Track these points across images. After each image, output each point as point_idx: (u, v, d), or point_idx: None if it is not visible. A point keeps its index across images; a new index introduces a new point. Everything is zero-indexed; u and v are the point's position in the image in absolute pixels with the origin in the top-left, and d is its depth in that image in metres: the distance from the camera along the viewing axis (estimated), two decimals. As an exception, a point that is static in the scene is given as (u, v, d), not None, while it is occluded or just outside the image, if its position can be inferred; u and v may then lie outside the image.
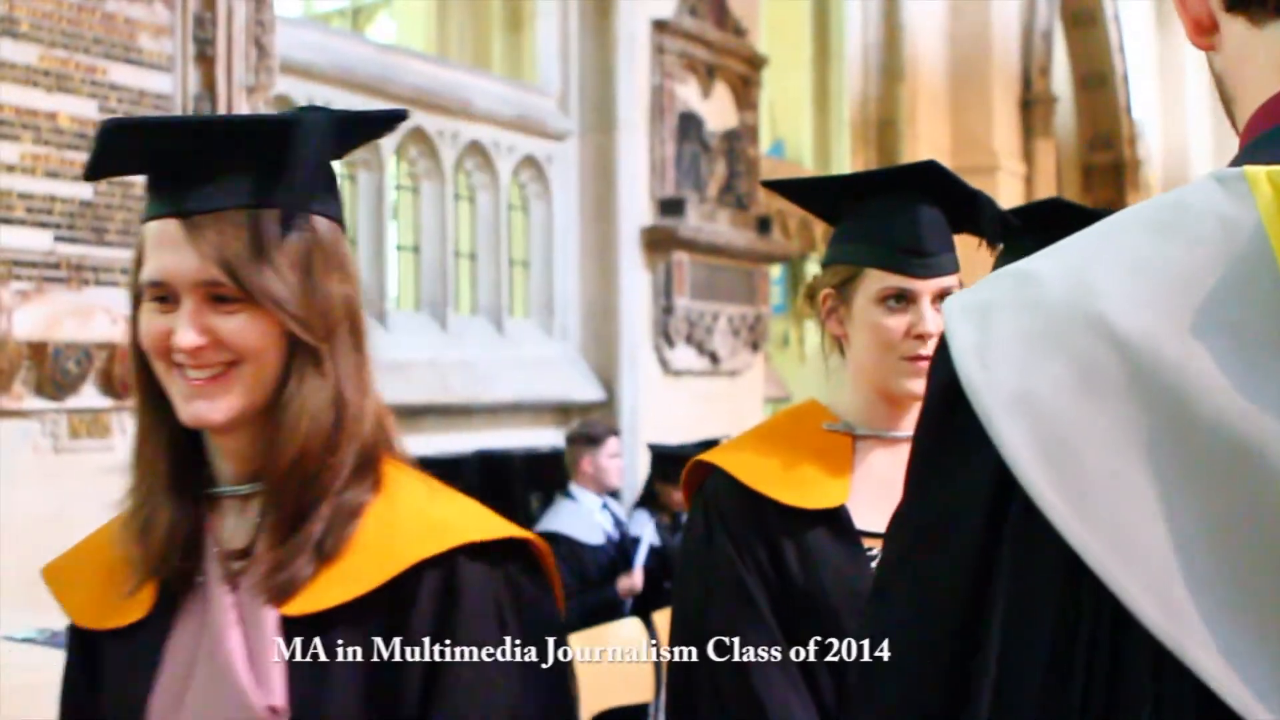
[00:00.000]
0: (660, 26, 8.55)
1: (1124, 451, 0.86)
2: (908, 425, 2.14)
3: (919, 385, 2.06)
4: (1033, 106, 15.01)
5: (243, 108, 5.50)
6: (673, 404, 8.55)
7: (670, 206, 8.54)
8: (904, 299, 2.09)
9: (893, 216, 2.11)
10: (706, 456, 2.19)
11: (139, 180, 5.37)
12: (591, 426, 6.51)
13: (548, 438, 7.62)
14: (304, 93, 6.89)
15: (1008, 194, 14.00)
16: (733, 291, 9.21)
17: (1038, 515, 0.88)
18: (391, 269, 7.64)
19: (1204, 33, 1.03)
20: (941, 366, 0.95)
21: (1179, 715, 0.86)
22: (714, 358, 9.04)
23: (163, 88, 5.29)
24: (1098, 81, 17.18)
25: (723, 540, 2.11)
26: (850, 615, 2.03)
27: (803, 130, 12.97)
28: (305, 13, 10.84)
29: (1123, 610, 0.86)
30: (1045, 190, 14.99)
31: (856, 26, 12.98)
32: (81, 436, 5.00)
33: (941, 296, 2.08)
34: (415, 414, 7.23)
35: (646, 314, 8.52)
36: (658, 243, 8.51)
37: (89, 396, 5.00)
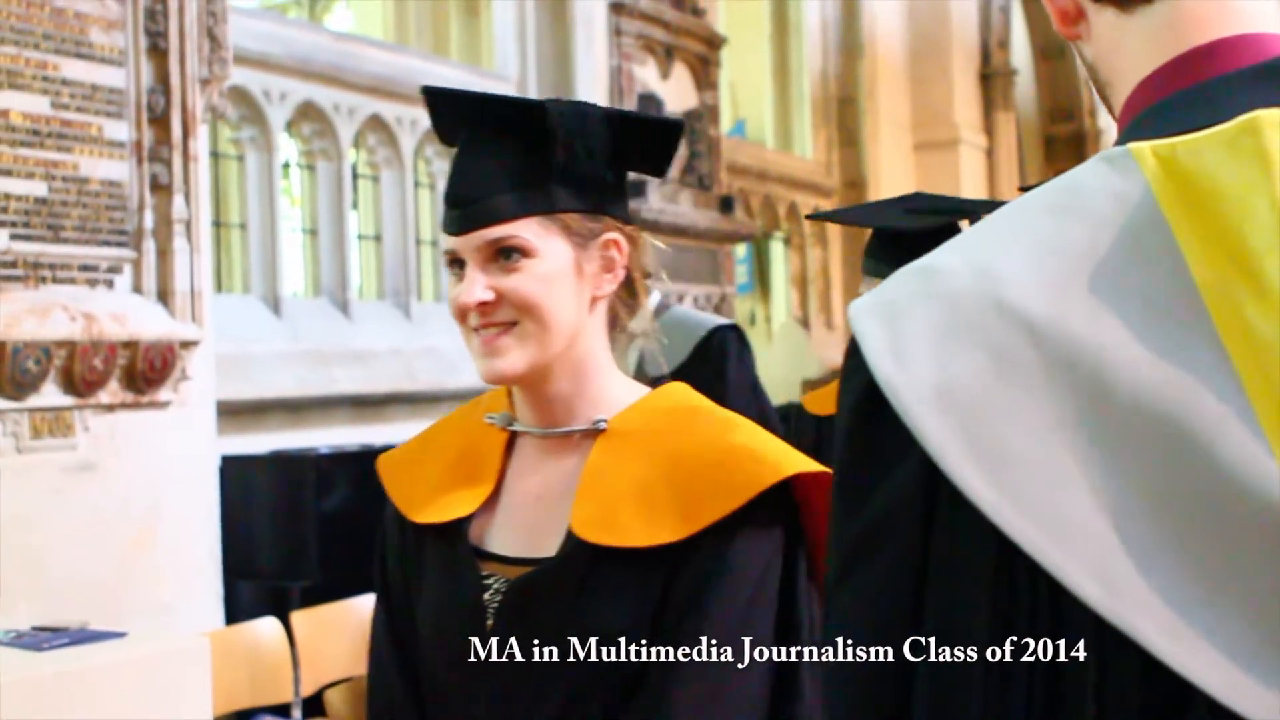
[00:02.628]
0: (617, 8, 8.53)
1: (1049, 434, 0.87)
2: (558, 419, 1.69)
3: (486, 367, 1.63)
4: (992, 79, 15.05)
5: (197, 100, 5.45)
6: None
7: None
8: (459, 263, 1.64)
9: (453, 166, 1.70)
10: (381, 459, 1.87)
11: (94, 176, 5.27)
12: None
13: (516, 424, 7.63)
14: (259, 83, 6.84)
15: (970, 167, 14.03)
16: (698, 272, 9.21)
17: (964, 506, 0.88)
18: (353, 259, 7.60)
19: (1070, 22, 1.06)
20: (856, 371, 0.95)
21: (1124, 687, 0.87)
22: (680, 339, 9.03)
23: (115, 82, 5.24)
24: (1056, 53, 17.23)
25: (379, 563, 1.81)
26: (435, 649, 1.68)
27: (764, 109, 12.96)
28: (261, 3, 10.79)
29: (1059, 590, 0.86)
30: (1007, 163, 15.04)
31: (815, 3, 12.97)
32: (44, 436, 4.95)
33: (497, 253, 1.61)
34: (381, 403, 7.20)
35: (611, 297, 8.50)
36: (621, 225, 8.49)
37: (50, 395, 4.96)
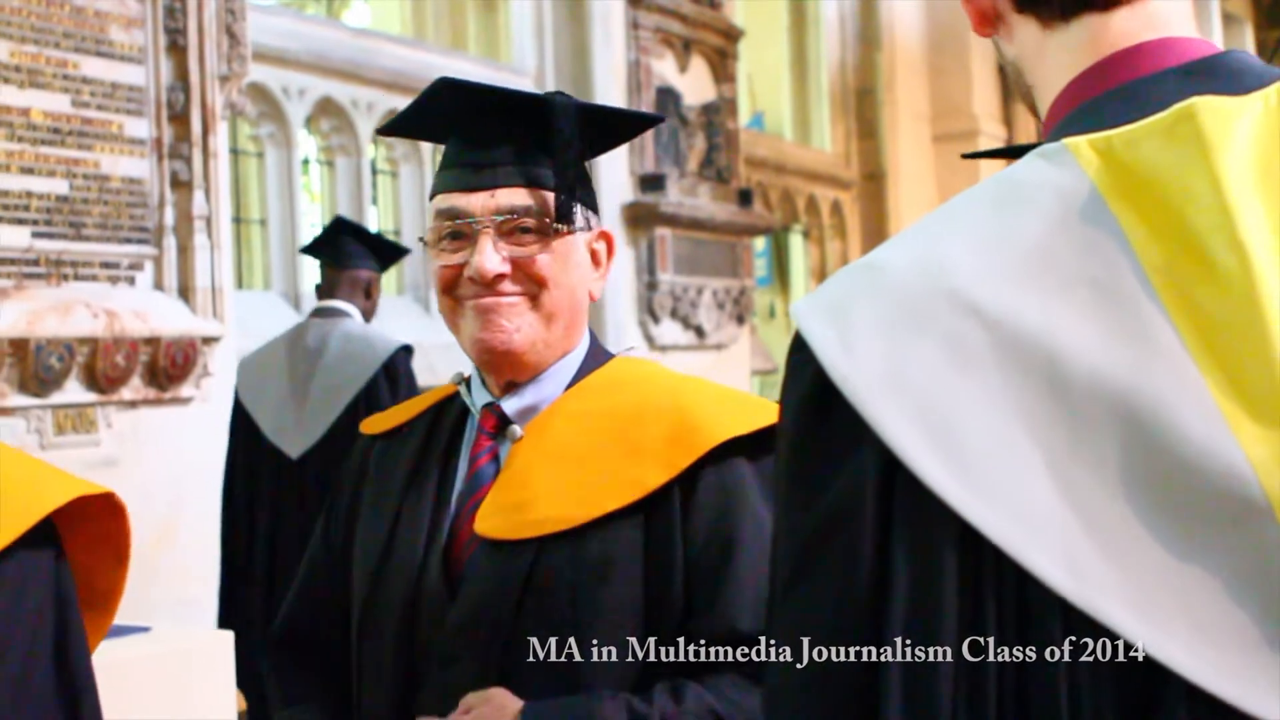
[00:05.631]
0: (635, 2, 8.53)
1: (1005, 420, 0.87)
2: None
3: None
4: (1011, 69, 15.00)
5: (217, 97, 5.48)
6: None
7: (650, 182, 8.53)
8: None
9: None
10: None
11: (115, 174, 5.28)
12: None
13: (536, 417, 7.65)
14: (278, 80, 6.86)
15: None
16: (716, 265, 9.21)
17: (924, 494, 0.87)
18: (373, 254, 7.62)
19: (988, 24, 1.09)
20: (803, 369, 0.93)
21: (1097, 678, 0.86)
22: (699, 331, 9.04)
23: (135, 79, 5.27)
24: (1075, 43, 17.14)
25: None
26: None
27: (782, 101, 12.93)
28: (279, 0, 10.83)
29: (1026, 579, 0.86)
30: (1026, 153, 14.98)
31: (832, -5, 12.95)
32: (67, 432, 4.98)
33: None
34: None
35: (630, 290, 8.52)
36: (639, 219, 8.50)
37: (73, 392, 4.99)
